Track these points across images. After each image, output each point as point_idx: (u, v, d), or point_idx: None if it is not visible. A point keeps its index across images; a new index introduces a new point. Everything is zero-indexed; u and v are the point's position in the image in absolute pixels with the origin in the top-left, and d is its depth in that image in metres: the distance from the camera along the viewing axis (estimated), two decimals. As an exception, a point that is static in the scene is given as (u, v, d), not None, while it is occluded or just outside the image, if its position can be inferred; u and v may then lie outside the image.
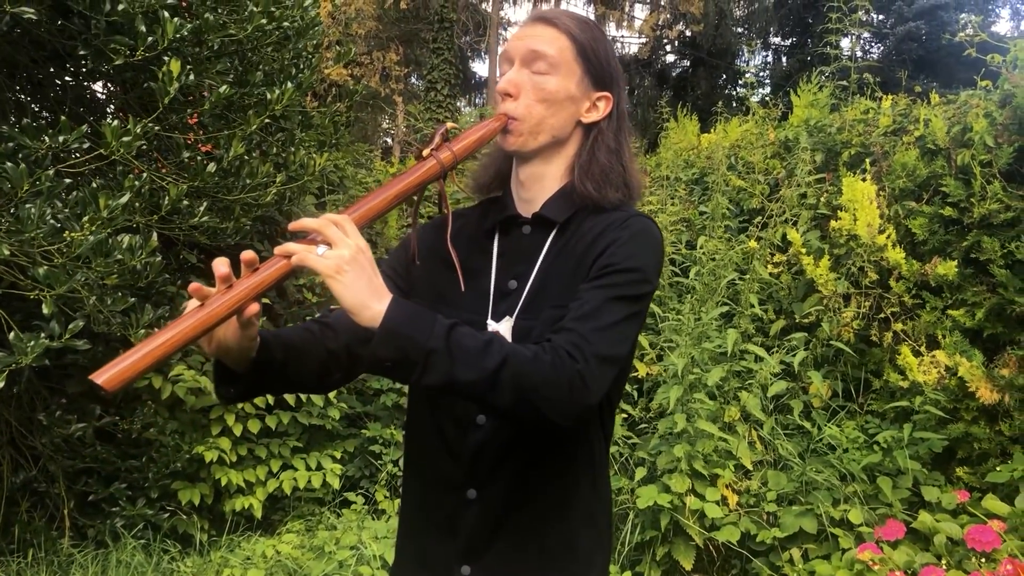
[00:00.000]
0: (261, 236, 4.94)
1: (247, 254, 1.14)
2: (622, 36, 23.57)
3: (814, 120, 5.02)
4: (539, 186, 1.46)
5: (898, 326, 3.94)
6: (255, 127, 3.46)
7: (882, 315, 4.03)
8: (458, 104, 16.95)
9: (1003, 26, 18.87)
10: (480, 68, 24.37)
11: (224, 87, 3.25)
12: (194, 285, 1.12)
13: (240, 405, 4.29)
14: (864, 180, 4.02)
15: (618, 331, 1.29)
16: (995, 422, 3.67)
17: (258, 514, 4.27)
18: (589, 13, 22.38)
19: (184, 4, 3.36)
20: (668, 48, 24.98)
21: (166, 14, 2.93)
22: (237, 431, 4.26)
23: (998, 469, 3.51)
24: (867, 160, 4.26)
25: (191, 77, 2.86)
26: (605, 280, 1.32)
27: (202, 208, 3.47)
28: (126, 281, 2.91)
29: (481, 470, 1.40)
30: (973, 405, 3.66)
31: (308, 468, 4.50)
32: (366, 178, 6.90)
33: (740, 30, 24.56)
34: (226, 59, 3.60)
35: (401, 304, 1.17)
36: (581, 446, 1.42)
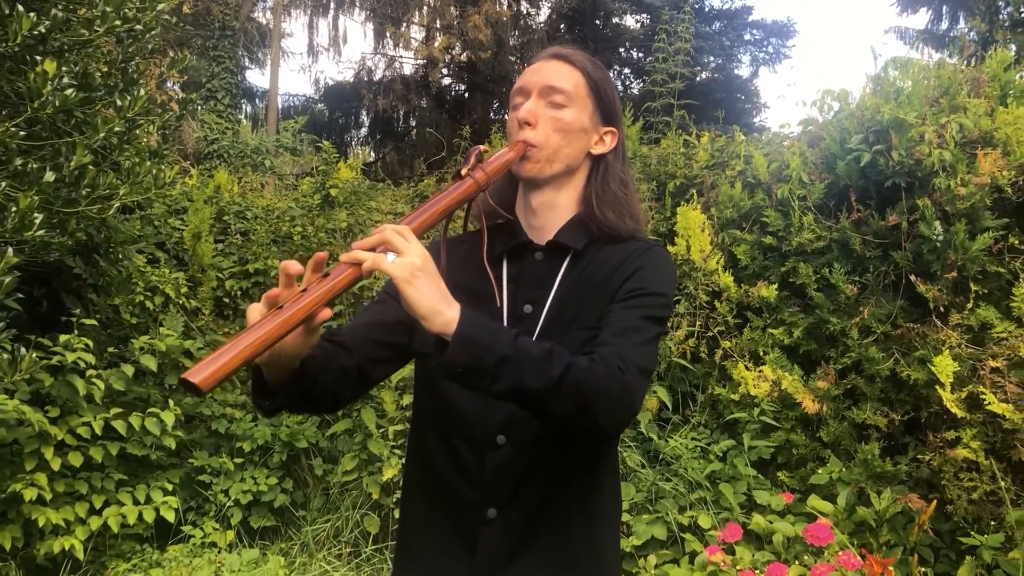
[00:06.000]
0: (73, 252, 4.51)
1: (319, 255, 1.14)
2: (400, 55, 23.70)
3: (631, 152, 5.37)
4: (551, 214, 1.51)
5: (726, 344, 4.29)
6: (103, 134, 3.20)
7: (710, 334, 4.38)
8: (239, 116, 16.22)
9: (744, 70, 21.06)
10: (259, 79, 23.52)
11: (70, 90, 2.98)
12: (271, 292, 1.13)
13: (60, 436, 3.90)
14: (696, 210, 4.36)
15: (651, 347, 1.38)
16: (810, 429, 4.09)
17: (81, 555, 3.89)
18: (368, 30, 22.28)
19: (26, -3, 3.06)
20: (445, 71, 25.42)
21: (20, 8, 2.67)
22: (56, 465, 3.87)
23: (819, 472, 3.91)
24: (693, 191, 4.62)
25: (64, 79, 2.61)
26: (636, 301, 1.39)
27: (38, 220, 3.14)
28: (-31, 302, 2.60)
29: (502, 491, 1.41)
30: (792, 415, 4.07)
31: (136, 502, 4.16)
32: (171, 190, 6.49)
33: (514, 59, 25.45)
34: (65, 60, 3.30)
35: (471, 311, 1.19)
36: (604, 455, 1.48)
